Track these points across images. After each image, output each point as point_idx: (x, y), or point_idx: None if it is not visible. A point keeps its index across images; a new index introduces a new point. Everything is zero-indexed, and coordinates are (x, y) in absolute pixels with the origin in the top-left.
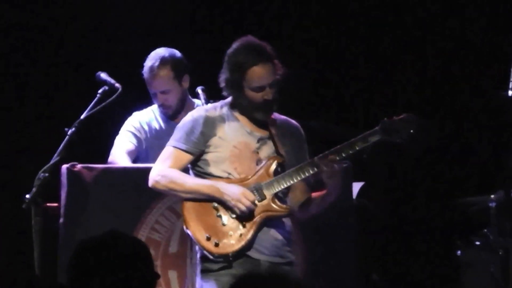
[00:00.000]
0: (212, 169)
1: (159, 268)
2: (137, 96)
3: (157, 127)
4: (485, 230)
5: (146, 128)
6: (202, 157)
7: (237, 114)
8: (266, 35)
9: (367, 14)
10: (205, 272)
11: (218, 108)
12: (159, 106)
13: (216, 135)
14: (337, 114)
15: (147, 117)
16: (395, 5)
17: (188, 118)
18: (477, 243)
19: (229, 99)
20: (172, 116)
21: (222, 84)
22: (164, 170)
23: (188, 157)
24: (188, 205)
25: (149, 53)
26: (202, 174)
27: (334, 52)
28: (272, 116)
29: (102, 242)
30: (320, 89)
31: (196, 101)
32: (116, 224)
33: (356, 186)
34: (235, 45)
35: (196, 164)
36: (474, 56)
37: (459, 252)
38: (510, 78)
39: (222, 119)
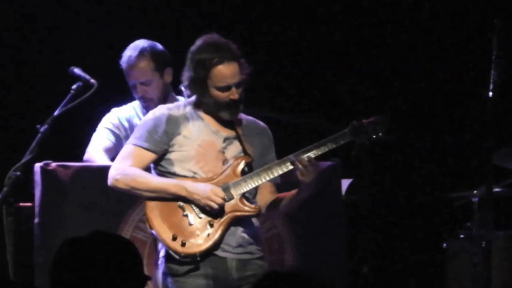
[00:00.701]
0: (177, 169)
1: (146, 268)
2: (116, 92)
3: (138, 123)
4: (469, 224)
5: (126, 124)
6: (165, 156)
7: (201, 113)
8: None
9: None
10: (170, 275)
11: (181, 107)
12: (139, 99)
13: (180, 133)
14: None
15: (127, 114)
16: (376, 11)
17: (149, 116)
18: (462, 235)
19: (193, 98)
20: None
21: (185, 83)
22: (125, 169)
23: (150, 156)
24: (151, 205)
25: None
26: (165, 174)
27: (324, 55)
28: (238, 117)
29: (89, 242)
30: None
31: (180, 98)
32: (97, 224)
33: (345, 183)
34: (198, 43)
35: (159, 164)
36: (456, 57)
37: (445, 244)
38: (491, 79)
39: (186, 118)
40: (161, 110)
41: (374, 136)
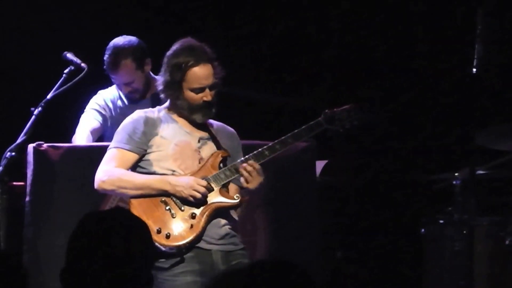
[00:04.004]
0: (156, 168)
1: None
2: (104, 75)
3: (121, 104)
4: (450, 208)
5: (110, 105)
6: (144, 157)
7: (175, 116)
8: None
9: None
10: (158, 272)
11: (156, 112)
12: (125, 94)
13: (157, 134)
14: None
15: (111, 95)
16: None
17: (128, 120)
18: (442, 221)
19: (166, 104)
20: (139, 97)
21: (161, 87)
22: (110, 170)
23: (133, 157)
24: (135, 203)
25: (116, 31)
26: (145, 174)
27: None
28: (209, 121)
29: (110, 216)
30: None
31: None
32: (82, 203)
33: (320, 164)
34: (175, 47)
35: (138, 165)
36: (439, 35)
37: (423, 229)
38: (475, 55)
39: (161, 120)
40: (139, 113)
41: (349, 124)
